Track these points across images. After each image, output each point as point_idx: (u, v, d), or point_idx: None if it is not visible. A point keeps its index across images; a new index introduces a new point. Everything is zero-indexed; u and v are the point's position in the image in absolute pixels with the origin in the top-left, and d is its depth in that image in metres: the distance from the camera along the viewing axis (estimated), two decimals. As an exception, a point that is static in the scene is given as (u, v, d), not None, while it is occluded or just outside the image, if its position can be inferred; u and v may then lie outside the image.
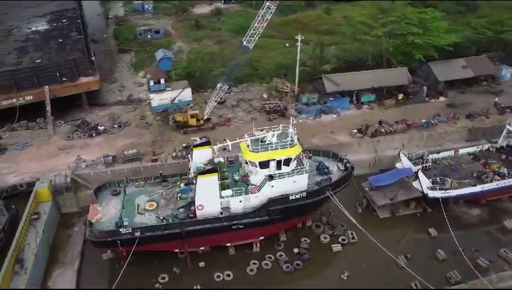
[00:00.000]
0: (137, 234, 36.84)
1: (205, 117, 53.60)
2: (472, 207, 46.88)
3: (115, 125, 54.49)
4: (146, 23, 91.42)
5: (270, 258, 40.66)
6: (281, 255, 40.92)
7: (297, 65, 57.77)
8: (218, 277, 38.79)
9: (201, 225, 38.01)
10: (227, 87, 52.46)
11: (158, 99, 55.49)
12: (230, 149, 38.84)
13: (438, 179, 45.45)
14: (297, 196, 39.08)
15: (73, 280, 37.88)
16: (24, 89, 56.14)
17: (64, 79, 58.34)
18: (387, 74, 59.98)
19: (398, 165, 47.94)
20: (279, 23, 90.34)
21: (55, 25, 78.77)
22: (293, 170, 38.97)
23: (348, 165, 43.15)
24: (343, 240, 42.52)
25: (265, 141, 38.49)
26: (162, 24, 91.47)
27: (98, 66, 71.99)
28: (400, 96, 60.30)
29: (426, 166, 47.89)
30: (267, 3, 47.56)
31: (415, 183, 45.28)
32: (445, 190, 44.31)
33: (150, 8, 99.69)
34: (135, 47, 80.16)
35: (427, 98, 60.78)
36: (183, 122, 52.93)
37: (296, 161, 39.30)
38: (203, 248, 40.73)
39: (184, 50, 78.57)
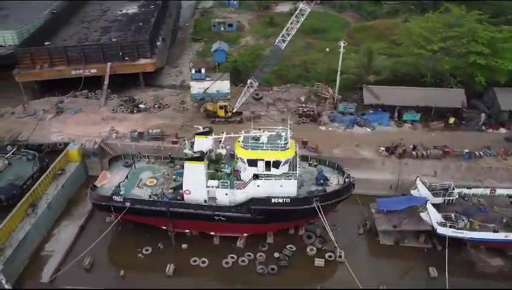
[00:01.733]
0: (128, 204, 40.06)
1: (234, 110, 55.09)
2: (494, 256, 40.90)
3: (156, 106, 59.03)
4: (226, 16, 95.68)
5: (249, 256, 40.79)
6: (260, 256, 40.84)
7: (339, 72, 55.82)
8: (195, 261, 40.28)
9: (184, 209, 39.84)
10: (258, 84, 53.14)
11: (197, 87, 58.41)
12: (222, 141, 39.85)
13: (452, 215, 40.60)
14: (280, 201, 38.53)
15: (74, 234, 42.78)
16: (91, 63, 63.88)
17: (126, 58, 64.93)
18: (439, 93, 54.51)
19: (413, 192, 43.94)
20: (355, 28, 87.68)
21: (142, 9, 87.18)
22: (283, 173, 38.49)
23: (347, 180, 41.01)
24: (329, 256, 40.63)
25: (258, 140, 38.64)
26: (241, 19, 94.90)
27: (170, 51, 78.77)
28: (452, 120, 54.43)
29: (450, 200, 43.19)
30: (301, 6, 47.10)
31: (424, 215, 41.13)
32: (457, 229, 39.47)
33: (235, 3, 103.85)
34: (206, 37, 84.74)
35: (483, 127, 53.90)
36: (212, 112, 55.19)
37: (287, 165, 38.67)
38: (188, 230, 42.57)
39: (249, 45, 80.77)
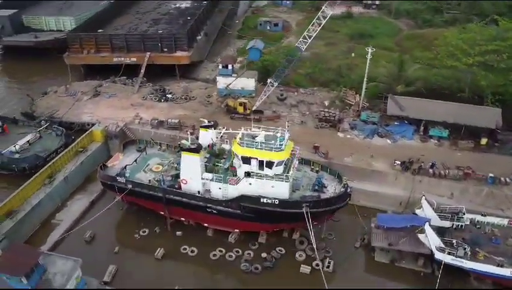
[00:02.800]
0: (129, 186, 42.28)
1: (254, 108, 55.49)
2: (499, 294, 37.45)
3: (183, 97, 61.23)
4: (276, 16, 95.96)
5: (237, 252, 41.09)
6: (248, 254, 40.98)
7: (365, 79, 53.87)
8: (184, 249, 41.44)
9: (179, 197, 41.19)
10: (276, 84, 52.99)
11: (223, 83, 59.63)
12: (220, 135, 40.44)
13: (454, 241, 37.63)
14: (269, 201, 38.33)
15: (84, 207, 45.99)
16: (132, 51, 67.89)
17: (165, 50, 68.06)
18: (471, 111, 50.36)
19: (418, 211, 41.28)
20: (405, 36, 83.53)
21: (195, 4, 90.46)
22: (275, 174, 38.27)
23: (342, 189, 39.70)
24: (316, 265, 39.64)
25: (254, 138, 38.76)
26: (290, 19, 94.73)
27: (214, 47, 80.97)
28: (484, 141, 50.18)
29: (458, 225, 40.08)
30: (323, 8, 46.18)
31: (422, 237, 38.54)
32: (455, 257, 36.54)
33: (288, 2, 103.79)
34: (251, 35, 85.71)
35: (519, 152, 49.11)
36: (232, 108, 56.08)
37: (282, 166, 38.36)
38: (183, 218, 43.87)
39: (291, 45, 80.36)
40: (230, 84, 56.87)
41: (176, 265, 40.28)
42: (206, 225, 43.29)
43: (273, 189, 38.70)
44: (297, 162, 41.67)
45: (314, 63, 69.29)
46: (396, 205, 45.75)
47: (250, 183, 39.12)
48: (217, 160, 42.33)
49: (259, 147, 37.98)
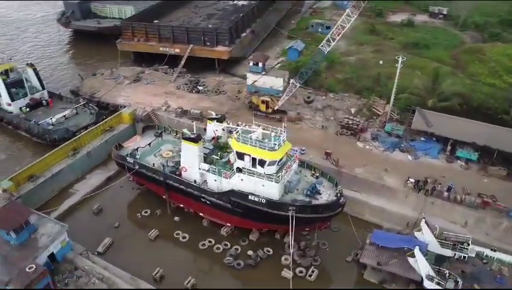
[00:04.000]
0: (136, 167, 44.77)
1: (276, 107, 55.26)
2: (493, 337, 33.63)
3: (214, 90, 62.82)
4: (333, 19, 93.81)
5: (226, 245, 41.53)
6: (235, 249, 41.21)
7: (394, 89, 51.03)
8: (177, 234, 42.87)
9: (177, 183, 42.63)
10: (298, 85, 52.14)
11: (252, 80, 60.02)
12: (220, 129, 41.00)
13: (446, 272, 34.45)
14: (256, 199, 38.21)
15: (98, 182, 49.36)
16: (176, 43, 71.05)
17: (207, 43, 70.28)
18: (508, 135, 45.41)
19: (417, 233, 38.30)
20: (465, 49, 77.02)
21: (252, 2, 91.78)
22: (265, 173, 38.02)
23: (334, 198, 38.22)
24: (300, 272, 38.79)
25: (252, 135, 38.79)
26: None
27: (262, 45, 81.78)
28: (519, 169, 45.13)
29: (461, 256, 36.63)
30: (348, 11, 44.57)
31: (412, 261, 35.80)
32: (444, 289, 33.48)
33: (349, 6, 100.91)
34: (301, 37, 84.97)
35: (559, 188, 43.29)
36: (255, 105, 56.36)
37: (275, 166, 37.98)
38: (182, 205, 45.24)
39: (338, 49, 78.37)
40: (255, 81, 57.11)
41: (164, 247, 41.75)
42: (201, 214, 44.28)
43: (264, 188, 38.52)
44: (295, 165, 41.06)
45: (354, 69, 67.12)
46: (403, 224, 42.88)
47: (242, 179, 39.32)
48: (220, 153, 43.08)
49: (253, 144, 37.99)
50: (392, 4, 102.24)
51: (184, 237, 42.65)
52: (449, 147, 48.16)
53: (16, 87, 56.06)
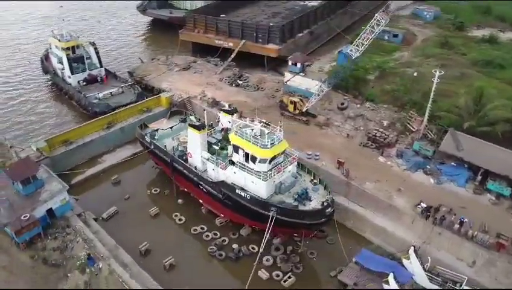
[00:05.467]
0: (152, 147, 47.59)
1: (304, 109, 54.17)
2: None
3: (254, 86, 63.53)
4: (407, 27, 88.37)
5: (215, 235, 42.20)
6: (223, 240, 41.68)
7: (429, 105, 46.77)
8: (176, 215, 44.68)
9: (181, 167, 44.38)
10: (325, 89, 50.43)
11: (292, 80, 59.38)
12: (225, 120, 41.65)
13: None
14: (242, 194, 38.29)
15: (125, 156, 53.16)
16: (231, 37, 73.13)
17: (259, 40, 71.22)
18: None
19: (405, 261, 34.98)
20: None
21: (322, 3, 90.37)
22: (256, 170, 37.82)
23: (320, 207, 36.60)
24: (277, 275, 37.97)
25: (251, 130, 38.82)
26: (421, 33, 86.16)
27: (322, 48, 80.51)
28: (561, 215, 38.54)
29: (449, 296, 32.88)
30: (377, 16, 41.93)
31: (386, 286, 32.84)
32: (413, 325, 30.36)
33: (428, 16, 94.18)
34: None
35: None
36: (285, 105, 55.85)
37: (266, 164, 37.55)
38: (186, 189, 46.87)
39: (399, 59, 73.68)
40: (288, 80, 56.55)
41: (160, 225, 43.80)
42: (201, 201, 45.52)
43: (253, 184, 38.46)
44: (291, 167, 40.13)
45: (406, 81, 62.55)
46: (404, 251, 39.39)
47: (234, 173, 39.66)
48: (225, 144, 43.80)
49: (248, 139, 38.09)
50: (480, 18, 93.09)
51: (180, 220, 44.30)
52: (479, 177, 42.88)
53: (76, 62, 62.92)
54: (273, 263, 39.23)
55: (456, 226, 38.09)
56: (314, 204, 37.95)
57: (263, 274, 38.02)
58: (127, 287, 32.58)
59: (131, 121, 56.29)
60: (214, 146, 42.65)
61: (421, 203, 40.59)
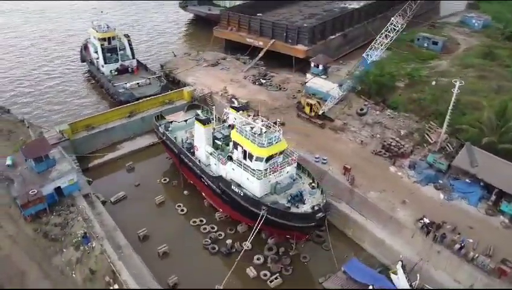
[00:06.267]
0: (164, 137, 49.14)
1: (320, 112, 53.31)
2: None
3: (277, 86, 63.43)
4: (451, 36, 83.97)
5: (213, 229, 42.79)
6: (219, 234, 42.20)
7: (447, 117, 44.31)
8: (179, 206, 45.84)
9: (186, 159, 45.46)
10: (341, 93, 49.24)
11: (312, 82, 58.73)
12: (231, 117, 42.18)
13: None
14: (236, 190, 38.60)
15: (143, 144, 55.26)
16: (262, 36, 73.44)
17: (289, 40, 70.90)
18: None
19: (392, 275, 33.60)
20: None
21: (363, 7, 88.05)
22: (251, 168, 37.94)
23: (309, 210, 35.99)
24: (264, 275, 37.88)
25: (251, 127, 39.00)
26: (466, 42, 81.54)
27: (358, 51, 78.41)
28: None
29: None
30: (393, 20, 40.28)
31: (367, 300, 31.74)
32: None
33: (476, 24, 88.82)
34: (401, 49, 78.27)
35: None
36: (302, 106, 55.30)
37: (263, 163, 37.55)
38: (191, 181, 47.87)
39: (435, 68, 70.21)
40: (306, 82, 55.89)
41: (162, 213, 45.12)
42: (203, 194, 46.35)
43: (248, 182, 38.68)
44: (290, 168, 39.80)
45: (435, 91, 59.52)
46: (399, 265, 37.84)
47: (233, 169, 40.05)
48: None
49: (246, 136, 38.32)
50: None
51: (183, 210, 45.40)
52: (493, 197, 40.05)
53: (110, 52, 66.26)
54: (263, 262, 39.20)
55: (457, 246, 35.91)
56: (306, 208, 37.42)
57: (251, 272, 38.11)
58: (113, 268, 33.98)
59: (153, 111, 58.12)
60: (218, 141, 43.24)
61: (424, 218, 38.66)
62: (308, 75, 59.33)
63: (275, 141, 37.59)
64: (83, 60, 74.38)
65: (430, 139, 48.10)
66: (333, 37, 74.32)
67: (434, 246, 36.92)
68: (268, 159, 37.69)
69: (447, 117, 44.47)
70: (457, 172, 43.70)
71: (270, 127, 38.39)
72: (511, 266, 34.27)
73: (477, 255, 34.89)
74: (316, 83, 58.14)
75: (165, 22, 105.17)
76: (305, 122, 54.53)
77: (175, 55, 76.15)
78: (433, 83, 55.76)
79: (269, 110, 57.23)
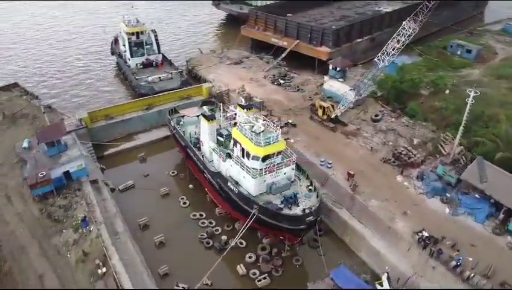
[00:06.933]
0: (174, 131, 50.34)
1: (332, 115, 52.45)
2: None
3: (295, 87, 63.05)
4: (488, 45, 79.60)
5: (211, 223, 43.35)
6: (216, 230, 42.70)
7: (461, 128, 42.17)
8: (182, 199, 46.86)
9: (191, 153, 46.32)
10: (354, 97, 48.15)
11: (329, 85, 57.83)
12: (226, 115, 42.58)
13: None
14: (231, 187, 38.89)
15: (157, 137, 56.87)
16: (287, 36, 73.20)
17: (314, 42, 70.24)
18: None
19: (378, 286, 32.53)
20: None
21: (396, 12, 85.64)
22: (248, 166, 38.07)
23: (300, 213, 35.60)
24: (253, 273, 37.94)
25: (251, 124, 39.14)
26: (505, 51, 77.09)
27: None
28: None
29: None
30: (405, 24, 38.85)
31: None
32: None
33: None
34: (432, 56, 75.25)
35: None
36: (315, 108, 54.64)
37: (259, 162, 37.58)
38: (196, 175, 48.71)
39: (466, 77, 66.91)
40: (321, 84, 55.10)
41: (164, 205, 46.22)
42: (206, 189, 47.02)
43: (244, 180, 38.89)
44: (287, 169, 39.49)
45: (460, 101, 56.67)
46: (393, 278, 36.59)
47: (231, 166, 40.39)
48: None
49: (245, 135, 38.50)
50: None
51: (185, 203, 46.34)
52: (502, 215, 37.77)
53: (137, 46, 68.59)
54: (255, 260, 39.29)
55: (453, 263, 34.26)
56: (296, 211, 37.03)
57: (240, 269, 38.31)
58: (105, 252, 35.31)
59: (170, 105, 59.66)
60: (221, 138, 43.73)
61: (423, 232, 37.15)
62: (326, 78, 58.49)
63: (272, 140, 37.51)
64: (112, 53, 77.55)
65: (443, 151, 46.01)
66: (360, 40, 72.74)
67: (430, 261, 35.46)
68: (265, 158, 37.68)
69: (461, 128, 42.35)
70: (468, 187, 41.57)
71: (270, 127, 38.36)
72: (507, 287, 32.32)
73: (473, 274, 33.13)
74: (332, 85, 57.18)
75: (198, 20, 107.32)
76: (317, 125, 53.90)
77: (201, 52, 77.60)
78: (447, 91, 53.15)
79: (283, 111, 57.10)
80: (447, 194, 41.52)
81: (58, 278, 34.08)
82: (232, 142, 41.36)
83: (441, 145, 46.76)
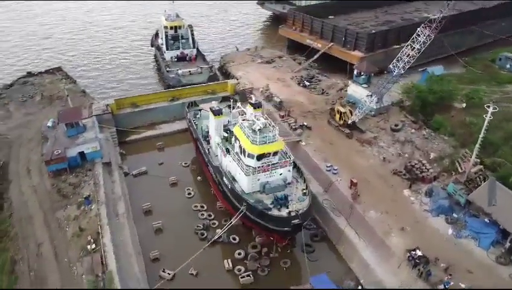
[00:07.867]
0: (189, 124, 51.80)
1: (349, 121, 50.95)
2: None
3: (320, 90, 62.02)
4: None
5: (210, 216, 44.15)
6: (213, 223, 43.44)
7: (477, 146, 39.21)
8: (188, 189, 48.16)
9: (200, 146, 47.43)
10: (369, 104, 46.41)
11: (352, 90, 56.24)
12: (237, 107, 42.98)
13: None
14: (226, 182, 39.35)
15: (179, 127, 58.69)
16: (322, 38, 72.09)
17: (348, 46, 68.57)
18: None
19: (355, 297, 31.43)
20: None
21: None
22: (242, 163, 38.34)
23: (284, 215, 35.27)
24: (238, 270, 38.14)
25: (251, 122, 39.38)
26: None
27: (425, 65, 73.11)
28: None
29: None
30: (419, 30, 36.76)
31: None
32: None
33: None
34: (477, 68, 70.21)
35: None
36: (334, 113, 53.40)
37: (254, 160, 37.79)
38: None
39: (504, 90, 61.89)
40: (342, 89, 53.63)
41: (170, 193, 47.81)
42: (210, 182, 47.93)
43: (239, 176, 39.25)
44: (283, 170, 39.26)
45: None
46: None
47: (230, 161, 40.89)
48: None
49: (244, 132, 38.85)
50: None
51: (189, 194, 47.60)
52: (508, 244, 34.72)
53: (173, 40, 71.13)
54: (243, 257, 39.51)
55: (440, 286, 32.18)
56: (283, 213, 36.66)
57: (227, 264, 38.70)
58: (99, 230, 37.40)
59: (194, 99, 61.36)
60: (225, 133, 44.35)
61: (416, 250, 35.22)
62: (350, 83, 56.97)
63: (269, 140, 37.54)
64: (152, 45, 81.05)
65: (459, 168, 43.01)
66: (397, 46, 69.52)
67: (418, 281, 33.57)
68: (260, 157, 37.81)
69: (477, 146, 39.43)
70: (478, 209, 38.64)
71: (269, 126, 38.36)
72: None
73: (460, 300, 30.98)
74: (356, 91, 55.60)
75: (244, 18, 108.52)
76: (333, 130, 52.71)
77: (237, 49, 78.72)
78: (463, 105, 49.42)
79: (302, 113, 56.51)
80: (454, 215, 38.93)
81: (53, 249, 36.78)
82: (233, 138, 41.90)
83: (458, 162, 43.76)
